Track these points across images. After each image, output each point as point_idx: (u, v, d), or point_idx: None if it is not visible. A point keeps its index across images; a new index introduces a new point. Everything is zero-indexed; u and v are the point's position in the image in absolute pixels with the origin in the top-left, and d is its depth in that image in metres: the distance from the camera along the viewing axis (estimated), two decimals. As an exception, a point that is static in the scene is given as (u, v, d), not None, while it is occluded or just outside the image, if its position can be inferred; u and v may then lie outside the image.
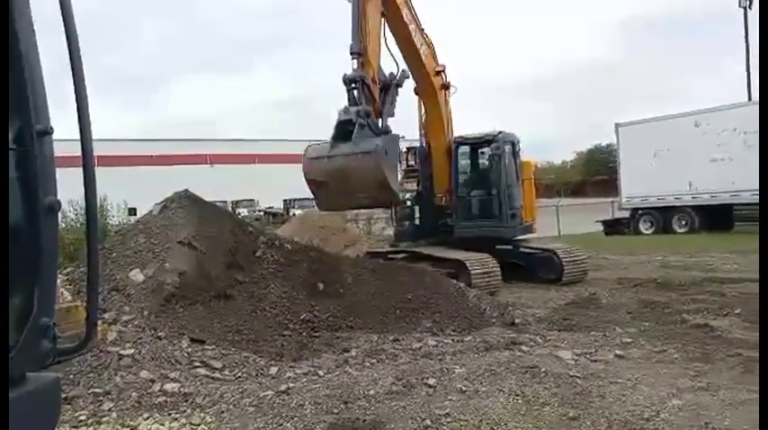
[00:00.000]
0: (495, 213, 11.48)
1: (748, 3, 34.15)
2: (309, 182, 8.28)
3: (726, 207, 21.71)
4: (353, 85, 8.36)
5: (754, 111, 21.37)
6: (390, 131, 8.75)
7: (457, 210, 11.66)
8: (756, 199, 20.46)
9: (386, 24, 9.36)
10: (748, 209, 21.63)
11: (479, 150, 12.11)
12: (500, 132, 11.71)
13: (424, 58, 10.69)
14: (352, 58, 8.44)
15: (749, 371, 4.99)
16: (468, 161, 12.18)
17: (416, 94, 11.42)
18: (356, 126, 7.90)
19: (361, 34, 8.48)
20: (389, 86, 9.05)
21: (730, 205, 21.61)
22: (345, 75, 8.41)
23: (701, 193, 21.76)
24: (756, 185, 20.12)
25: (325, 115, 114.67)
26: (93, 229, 1.88)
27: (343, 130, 7.98)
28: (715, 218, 21.78)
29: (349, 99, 8.37)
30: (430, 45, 11.02)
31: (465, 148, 11.98)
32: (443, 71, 11.35)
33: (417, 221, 11.94)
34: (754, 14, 34.56)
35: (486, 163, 11.99)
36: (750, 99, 30.01)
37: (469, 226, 11.50)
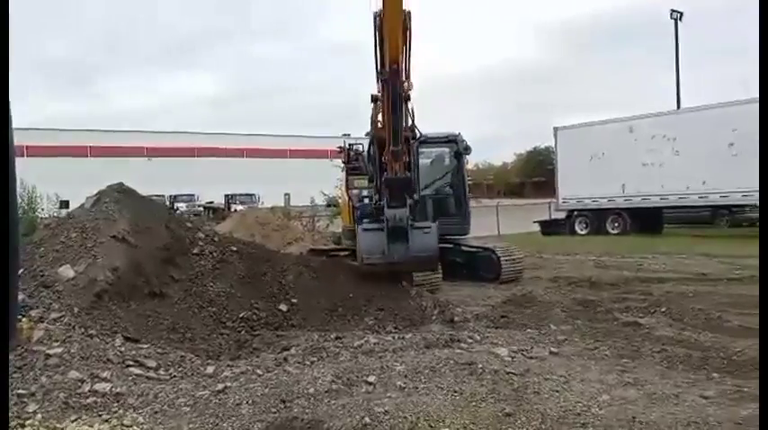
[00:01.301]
0: (456, 211, 11.63)
1: (678, 15, 35.88)
2: (365, 276, 8.34)
3: (655, 210, 22.77)
4: (401, 184, 8.31)
5: (680, 119, 22.58)
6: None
7: (419, 209, 11.67)
8: (683, 202, 21.63)
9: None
10: (676, 212, 22.81)
11: (439, 149, 12.23)
12: (459, 133, 11.90)
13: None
14: (396, 163, 8.15)
15: (673, 367, 5.25)
16: (429, 160, 12.28)
17: (374, 101, 11.12)
18: (408, 230, 8.11)
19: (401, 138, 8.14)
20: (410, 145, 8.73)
21: (659, 208, 22.67)
22: (392, 178, 8.22)
23: (632, 196, 22.72)
24: (683, 189, 21.30)
25: (267, 110, 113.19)
26: (14, 221, 1.78)
27: (397, 233, 8.19)
28: (646, 220, 22.81)
29: (393, 197, 8.32)
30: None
31: (425, 148, 12.01)
32: (410, 88, 11.22)
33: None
34: (685, 25, 36.36)
35: (447, 162, 12.14)
36: (679, 107, 31.59)
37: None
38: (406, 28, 7.77)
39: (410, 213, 8.20)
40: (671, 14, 35.98)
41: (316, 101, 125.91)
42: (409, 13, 7.78)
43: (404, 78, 7.86)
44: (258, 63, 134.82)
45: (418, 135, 9.02)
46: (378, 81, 8.36)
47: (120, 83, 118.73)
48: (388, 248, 8.08)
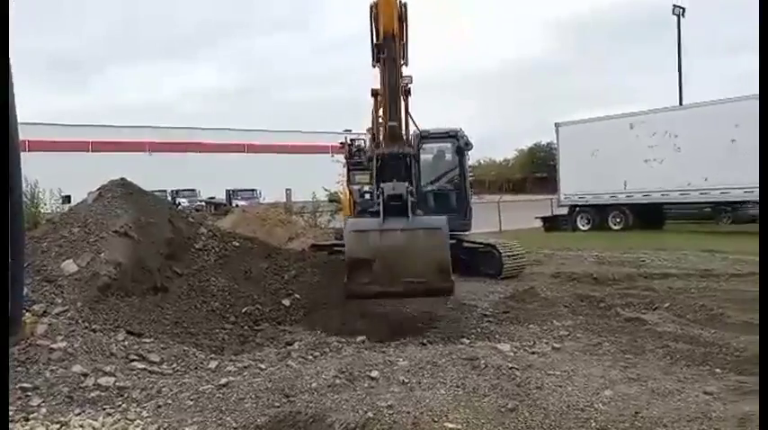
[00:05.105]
0: (458, 207, 11.59)
1: (681, 11, 35.76)
2: (350, 261, 6.59)
3: (657, 206, 22.75)
4: (397, 162, 7.60)
5: (682, 115, 22.52)
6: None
7: (420, 204, 11.56)
8: (684, 199, 21.60)
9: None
10: (677, 208, 22.79)
11: (440, 145, 12.21)
12: (460, 128, 11.90)
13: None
14: (393, 140, 7.71)
15: (676, 363, 5.26)
16: (431, 156, 12.25)
17: (374, 96, 11.07)
18: (409, 203, 6.89)
19: (399, 113, 7.85)
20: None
21: (661, 204, 22.66)
22: (389, 151, 7.62)
23: (634, 192, 22.69)
24: (684, 185, 21.26)
25: (279, 103, 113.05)
26: (18, 219, 1.79)
27: (395, 206, 6.83)
28: (647, 216, 22.80)
29: (393, 174, 7.44)
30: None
31: (427, 143, 11.97)
32: (410, 82, 11.21)
33: None
34: (687, 21, 36.29)
35: (448, 157, 12.13)
36: (681, 104, 31.51)
37: None
38: (401, 17, 8.03)
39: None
40: (673, 10, 35.89)
41: (315, 95, 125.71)
42: (405, 5, 8.09)
43: (402, 55, 7.95)
44: (259, 57, 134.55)
45: (415, 130, 8.99)
46: (373, 62, 8.35)
47: (117, 77, 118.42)
48: (384, 220, 6.69)
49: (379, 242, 6.54)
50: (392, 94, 7.81)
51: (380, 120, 10.16)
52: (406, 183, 7.17)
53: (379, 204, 6.99)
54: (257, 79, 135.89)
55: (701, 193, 20.92)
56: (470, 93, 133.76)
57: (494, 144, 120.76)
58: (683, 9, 35.96)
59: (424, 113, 8.77)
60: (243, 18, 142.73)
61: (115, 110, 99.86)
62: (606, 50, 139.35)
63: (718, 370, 5.03)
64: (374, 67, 8.39)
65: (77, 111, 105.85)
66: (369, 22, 8.34)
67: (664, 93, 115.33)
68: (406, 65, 8.22)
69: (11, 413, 4.07)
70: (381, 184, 7.23)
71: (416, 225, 6.70)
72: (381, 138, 10.57)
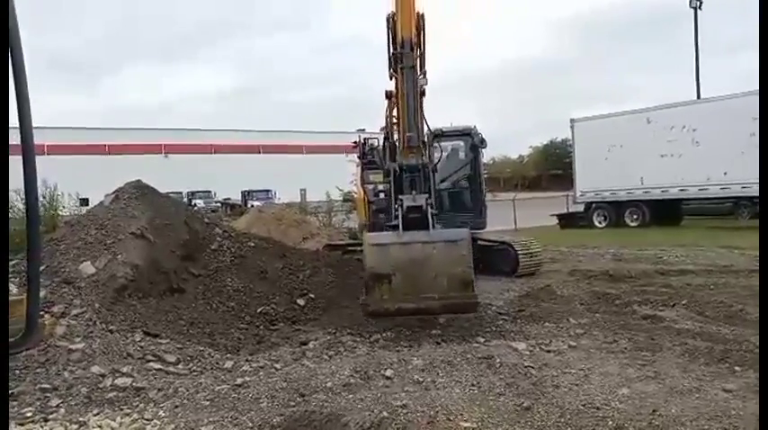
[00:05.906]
0: (472, 205, 11.56)
1: (698, 3, 35.26)
2: (370, 275, 6.47)
3: (674, 202, 22.46)
4: (415, 174, 7.45)
5: (700, 109, 22.21)
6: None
7: (434, 203, 11.48)
8: (703, 194, 21.31)
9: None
10: (696, 203, 22.48)
11: (454, 143, 12.19)
12: (474, 126, 11.88)
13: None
14: (411, 151, 7.53)
15: (694, 360, 5.18)
16: (445, 154, 12.21)
17: (388, 97, 11.02)
18: (429, 215, 6.76)
19: (417, 124, 7.64)
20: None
21: (679, 200, 22.36)
22: (407, 162, 7.47)
23: (651, 188, 22.41)
24: (703, 180, 20.94)
25: (280, 104, 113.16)
26: (35, 220, 1.81)
27: (414, 218, 6.76)
28: (665, 212, 22.50)
29: (411, 186, 7.32)
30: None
31: (441, 141, 11.92)
32: (425, 83, 11.16)
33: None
34: (704, 14, 35.79)
35: (462, 155, 12.10)
36: (699, 97, 31.08)
37: (449, 218, 11.42)
38: (418, 26, 7.96)
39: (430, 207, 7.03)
40: (690, 3, 35.38)
41: (315, 95, 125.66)
42: (423, 15, 8.00)
43: (420, 65, 7.83)
44: (259, 57, 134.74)
45: (427, 130, 8.80)
46: (391, 78, 8.38)
47: (117, 78, 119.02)
48: (404, 233, 6.57)
49: (399, 255, 6.41)
50: (410, 104, 7.71)
51: (394, 120, 10.14)
52: (426, 195, 7.09)
53: (397, 217, 6.91)
54: (257, 79, 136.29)
55: (721, 188, 20.62)
56: (470, 93, 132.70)
57: (494, 144, 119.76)
58: (701, 1, 35.44)
59: (437, 112, 8.69)
60: (243, 18, 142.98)
61: (115, 110, 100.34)
62: (606, 50, 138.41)
63: (737, 367, 4.94)
64: (391, 78, 8.33)
65: (78, 112, 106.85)
66: (386, 33, 8.29)
67: (663, 92, 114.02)
68: (424, 77, 8.13)
69: (30, 413, 4.13)
70: (400, 196, 7.15)
71: (437, 237, 6.57)
72: (395, 138, 10.56)
